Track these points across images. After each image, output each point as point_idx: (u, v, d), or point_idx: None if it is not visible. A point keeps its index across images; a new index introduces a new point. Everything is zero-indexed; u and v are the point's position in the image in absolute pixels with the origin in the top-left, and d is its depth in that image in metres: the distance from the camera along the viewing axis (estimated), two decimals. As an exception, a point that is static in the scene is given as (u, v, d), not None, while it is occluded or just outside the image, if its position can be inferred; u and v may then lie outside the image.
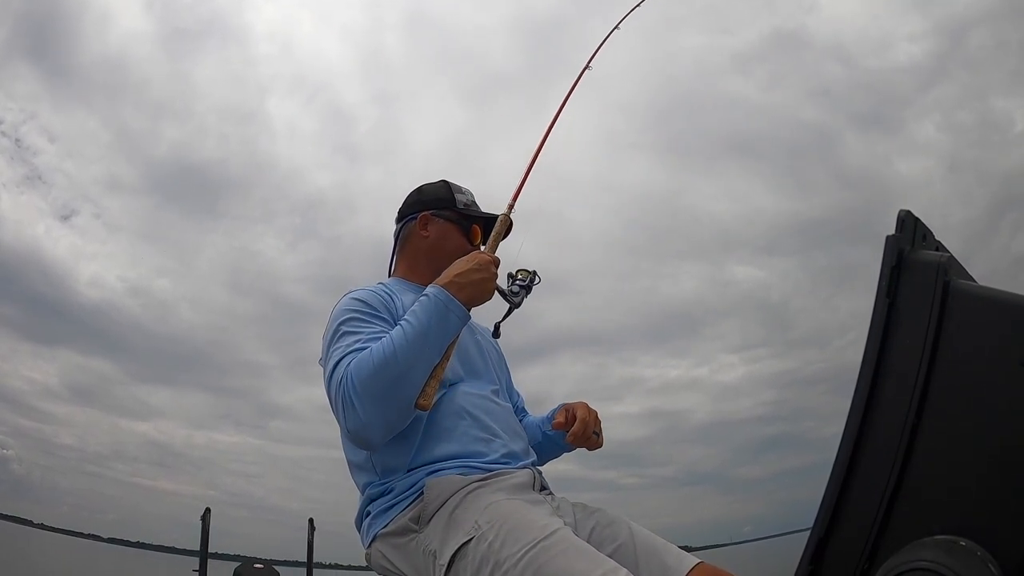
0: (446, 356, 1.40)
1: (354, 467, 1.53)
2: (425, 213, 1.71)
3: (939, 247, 1.37)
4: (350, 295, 1.54)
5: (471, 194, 1.76)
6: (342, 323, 1.45)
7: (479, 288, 1.44)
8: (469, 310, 1.44)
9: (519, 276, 1.59)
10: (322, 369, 1.48)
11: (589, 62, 2.09)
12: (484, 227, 1.71)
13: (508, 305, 1.58)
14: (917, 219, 1.33)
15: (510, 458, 1.49)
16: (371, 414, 1.30)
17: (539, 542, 1.17)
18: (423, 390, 1.35)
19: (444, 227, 1.70)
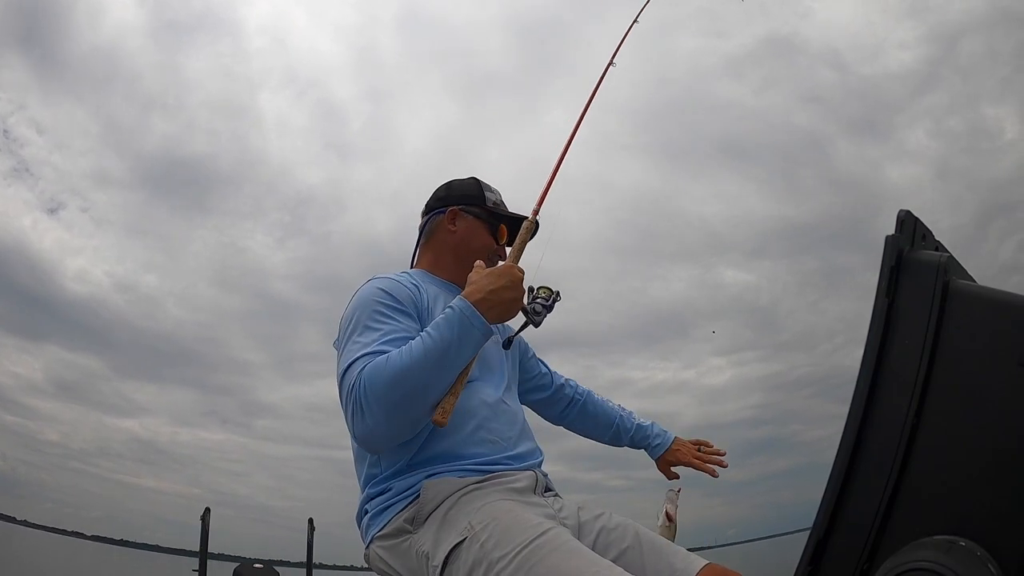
0: (465, 371, 1.36)
1: (357, 459, 1.52)
2: (454, 208, 1.70)
3: (939, 247, 1.37)
4: (374, 283, 1.50)
5: (499, 194, 1.75)
6: (364, 314, 1.42)
7: (509, 307, 1.40)
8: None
9: (541, 294, 1.53)
10: (336, 352, 1.46)
11: (612, 58, 2.05)
12: (511, 227, 1.70)
13: (525, 321, 1.52)
14: (917, 219, 1.33)
15: (513, 460, 1.47)
16: (379, 424, 1.28)
17: (531, 542, 1.16)
18: (441, 406, 1.31)
19: (472, 224, 1.69)
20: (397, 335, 1.38)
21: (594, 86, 1.98)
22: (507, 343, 1.56)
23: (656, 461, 1.91)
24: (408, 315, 1.45)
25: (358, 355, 1.34)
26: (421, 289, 1.53)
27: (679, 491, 1.87)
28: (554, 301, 1.53)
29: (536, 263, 1.59)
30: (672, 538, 1.72)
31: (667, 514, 1.79)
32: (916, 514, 1.16)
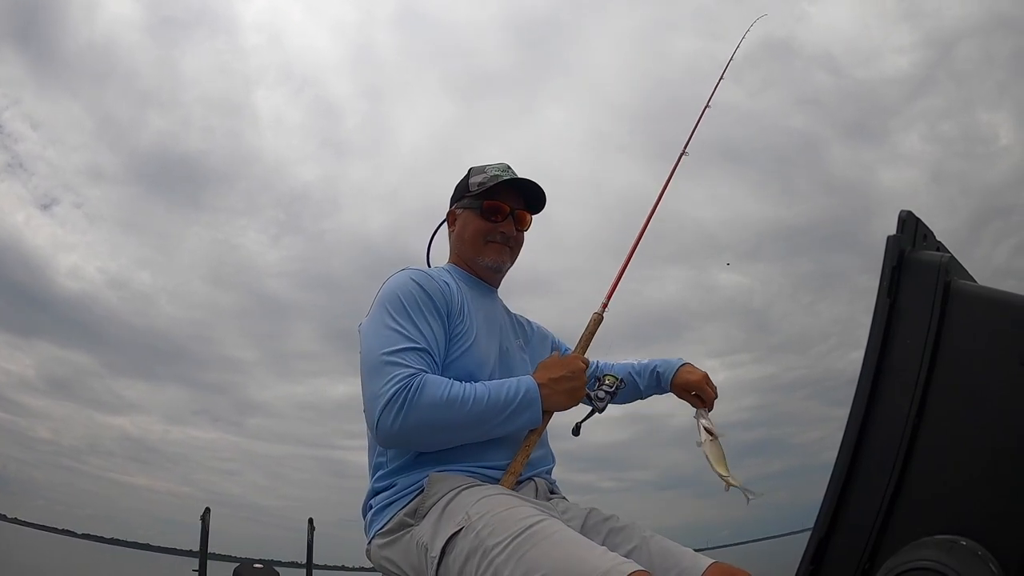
0: (526, 452, 1.46)
1: (369, 446, 1.54)
2: (451, 211, 1.75)
3: (940, 247, 1.37)
4: (409, 273, 1.54)
5: (496, 168, 1.71)
6: (407, 300, 1.46)
7: (568, 396, 1.48)
8: (550, 415, 1.48)
9: (606, 382, 1.63)
10: (359, 335, 1.50)
11: (685, 147, 2.06)
12: (500, 196, 1.67)
13: (591, 408, 1.62)
14: (918, 219, 1.34)
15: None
16: (407, 430, 1.33)
17: (526, 530, 1.18)
18: (506, 475, 1.43)
19: (464, 217, 1.71)
20: (438, 344, 1.46)
21: (667, 176, 2.01)
22: (576, 430, 1.62)
23: (672, 390, 1.84)
24: (439, 314, 1.49)
25: (416, 346, 1.40)
26: (451, 285, 1.57)
27: (707, 411, 1.73)
28: (618, 388, 1.63)
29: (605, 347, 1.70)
30: (720, 454, 1.62)
31: (706, 429, 1.64)
32: (917, 513, 1.16)
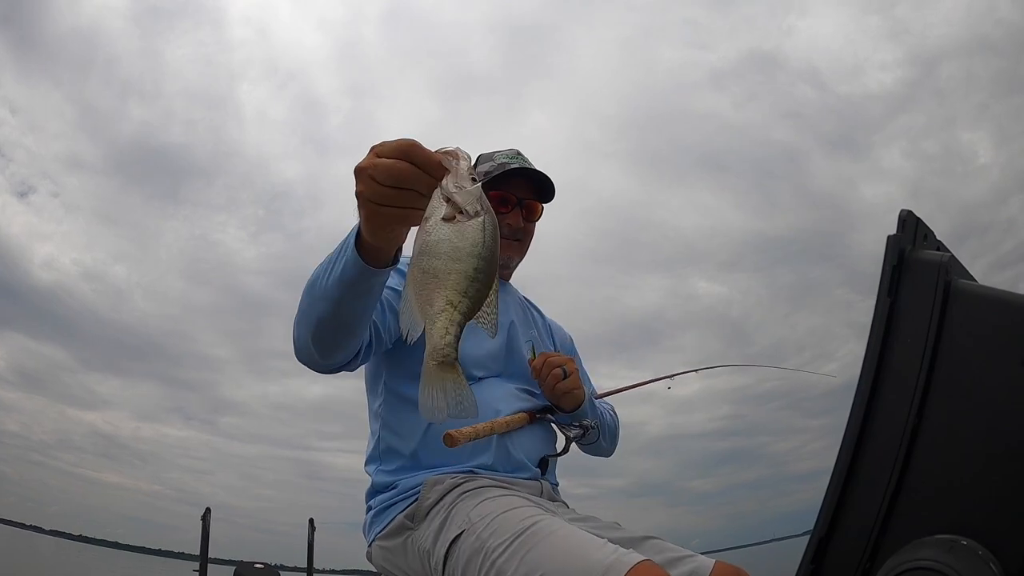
0: (505, 424, 1.41)
1: (371, 412, 1.51)
2: None
3: (940, 247, 1.37)
4: None
5: (504, 155, 1.64)
6: None
7: (375, 216, 0.95)
8: (377, 249, 1.02)
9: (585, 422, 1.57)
10: None
11: (669, 384, 2.05)
12: (509, 184, 1.61)
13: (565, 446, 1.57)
14: (919, 219, 1.33)
15: (520, 468, 1.46)
16: (296, 337, 1.21)
17: (527, 529, 1.16)
18: (467, 428, 1.31)
19: None
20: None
21: (639, 382, 2.03)
22: (542, 463, 1.53)
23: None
24: None
25: None
26: None
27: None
28: (588, 433, 1.57)
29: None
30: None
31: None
32: (918, 513, 1.16)
